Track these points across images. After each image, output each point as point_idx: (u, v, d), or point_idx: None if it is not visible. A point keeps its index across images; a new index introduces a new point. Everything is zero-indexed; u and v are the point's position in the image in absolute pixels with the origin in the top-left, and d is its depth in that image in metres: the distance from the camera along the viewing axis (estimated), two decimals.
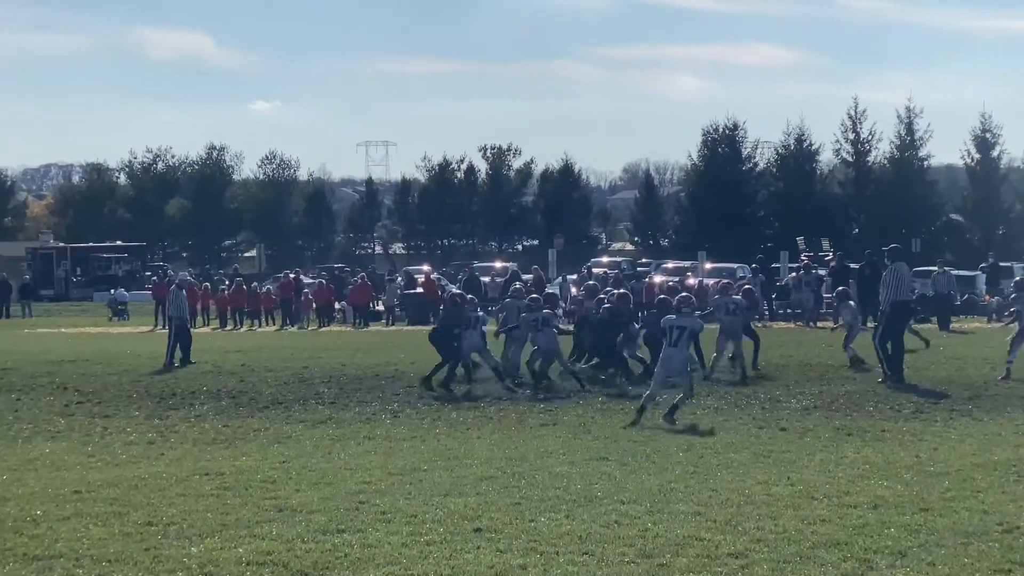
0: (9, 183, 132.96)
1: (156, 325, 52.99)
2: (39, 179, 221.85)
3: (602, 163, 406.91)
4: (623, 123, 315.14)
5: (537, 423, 21.33)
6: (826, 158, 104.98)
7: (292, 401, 24.63)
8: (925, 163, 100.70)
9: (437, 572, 10.95)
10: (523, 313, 27.49)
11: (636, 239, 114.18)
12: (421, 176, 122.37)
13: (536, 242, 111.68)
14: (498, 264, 73.27)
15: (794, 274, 50.71)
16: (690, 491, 14.46)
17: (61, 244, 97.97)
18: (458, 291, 34.94)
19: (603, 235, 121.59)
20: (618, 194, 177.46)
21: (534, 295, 29.13)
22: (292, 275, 60.40)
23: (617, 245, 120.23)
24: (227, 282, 62.36)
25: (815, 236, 71.21)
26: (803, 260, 51.48)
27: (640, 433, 19.65)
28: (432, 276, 59.08)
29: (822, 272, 49.84)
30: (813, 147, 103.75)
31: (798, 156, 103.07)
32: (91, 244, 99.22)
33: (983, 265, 59.48)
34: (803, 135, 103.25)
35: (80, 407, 24.42)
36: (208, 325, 56.20)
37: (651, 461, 16.79)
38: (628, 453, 17.55)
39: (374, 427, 21.25)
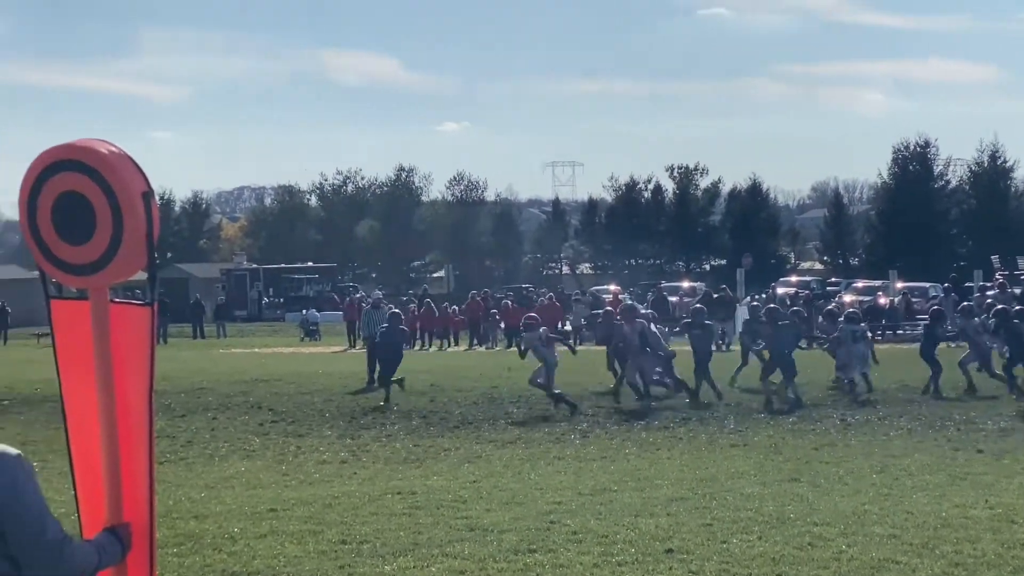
0: (204, 206, 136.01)
1: (349, 346, 53.88)
2: (232, 202, 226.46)
3: (790, 182, 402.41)
4: (811, 141, 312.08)
5: (727, 443, 21.16)
6: (1021, 175, 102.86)
7: (482, 421, 24.76)
8: None
9: None
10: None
11: (825, 258, 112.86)
12: (608, 196, 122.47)
13: (724, 262, 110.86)
14: (685, 284, 72.90)
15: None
16: (885, 513, 14.20)
17: (254, 265, 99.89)
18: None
19: (791, 254, 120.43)
20: (807, 213, 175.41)
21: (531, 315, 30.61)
22: (480, 296, 60.77)
23: (806, 264, 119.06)
24: (415, 302, 62.99)
25: (1011, 254, 69.64)
26: (997, 279, 50.27)
27: (832, 454, 19.40)
28: (619, 296, 58.99)
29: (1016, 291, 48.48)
30: (1007, 164, 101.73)
31: (992, 173, 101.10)
32: (283, 265, 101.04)
33: None
34: (997, 152, 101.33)
35: (274, 426, 24.82)
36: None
37: (844, 483, 16.55)
38: (820, 475, 17.31)
39: (563, 447, 21.26)
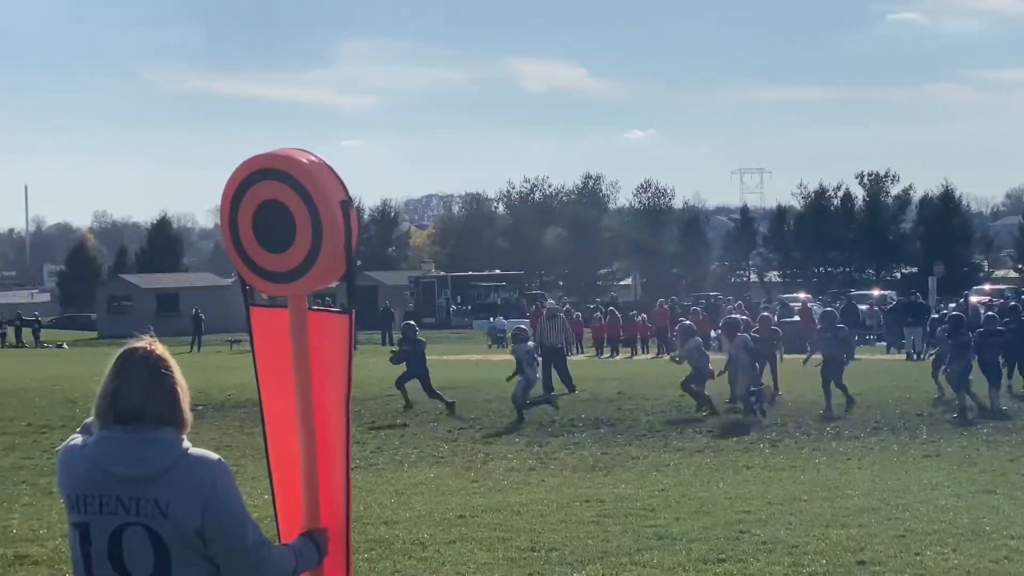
0: (393, 214, 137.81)
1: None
2: (420, 209, 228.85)
3: (984, 188, 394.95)
4: (1005, 146, 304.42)
5: (919, 454, 20.80)
6: None
7: (669, 429, 24.65)
8: None
9: None
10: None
11: (1020, 266, 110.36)
12: (797, 203, 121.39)
13: (915, 269, 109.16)
14: (876, 292, 71.82)
15: None
16: None
17: (442, 273, 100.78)
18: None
19: (985, 262, 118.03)
20: (1001, 220, 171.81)
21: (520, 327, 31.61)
22: (667, 303, 60.55)
23: (1000, 272, 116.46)
24: (602, 310, 63.00)
25: None
26: None
27: None
28: (808, 304, 58.35)
29: None
30: None
31: None
32: (471, 273, 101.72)
33: None
34: None
35: (462, 433, 24.99)
36: (583, 353, 56.92)
37: None
38: (1017, 486, 16.92)
39: (752, 456, 21.08)
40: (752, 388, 26.13)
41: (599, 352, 56.51)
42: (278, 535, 5.46)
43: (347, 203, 4.83)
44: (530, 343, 29.03)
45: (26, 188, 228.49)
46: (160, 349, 4.80)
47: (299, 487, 5.05)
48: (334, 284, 5.09)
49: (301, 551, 4.91)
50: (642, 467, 20.16)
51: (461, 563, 12.62)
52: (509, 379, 28.54)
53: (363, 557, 12.94)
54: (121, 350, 4.83)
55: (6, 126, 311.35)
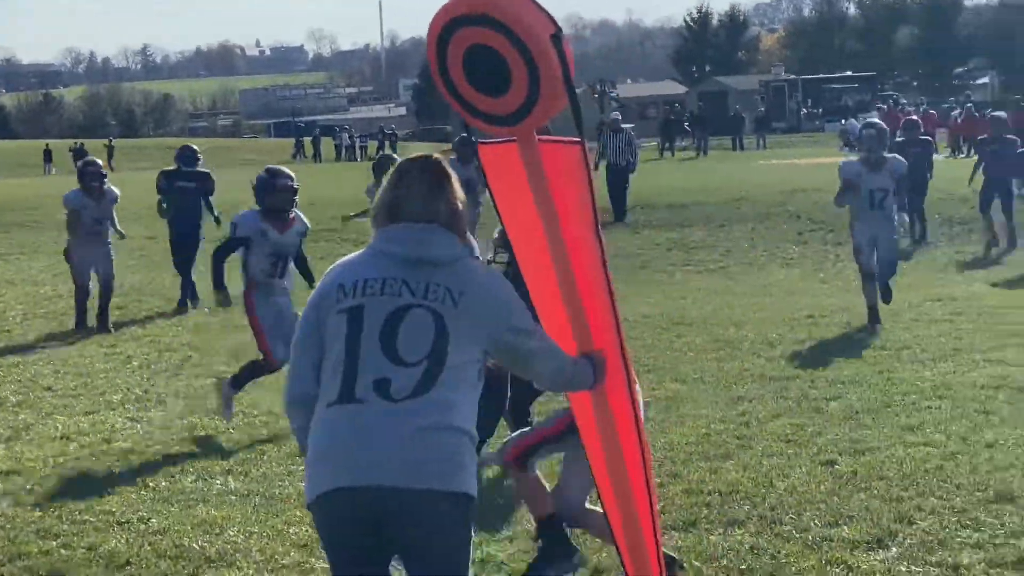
0: (742, 18, 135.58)
1: None
2: (771, 12, 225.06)
3: None
4: None
5: None
6: None
7: None
8: None
9: None
10: None
11: None
12: None
13: None
14: None
15: None
16: None
17: (792, 76, 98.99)
18: None
19: None
20: None
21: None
22: None
23: None
24: (958, 110, 61.10)
25: None
26: None
27: None
28: None
29: None
30: None
31: None
32: (822, 76, 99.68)
33: None
34: None
35: (812, 234, 24.81)
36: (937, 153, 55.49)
37: None
38: None
39: None
40: None
41: (954, 152, 54.92)
42: None
43: (557, 35, 4.61)
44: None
45: (380, 4, 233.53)
46: (441, 159, 4.81)
47: (564, 322, 4.98)
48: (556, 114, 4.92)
49: (579, 363, 4.91)
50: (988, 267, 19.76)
51: (814, 360, 12.67)
52: None
53: (711, 356, 13.14)
54: (399, 161, 4.87)
55: None
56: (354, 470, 4.41)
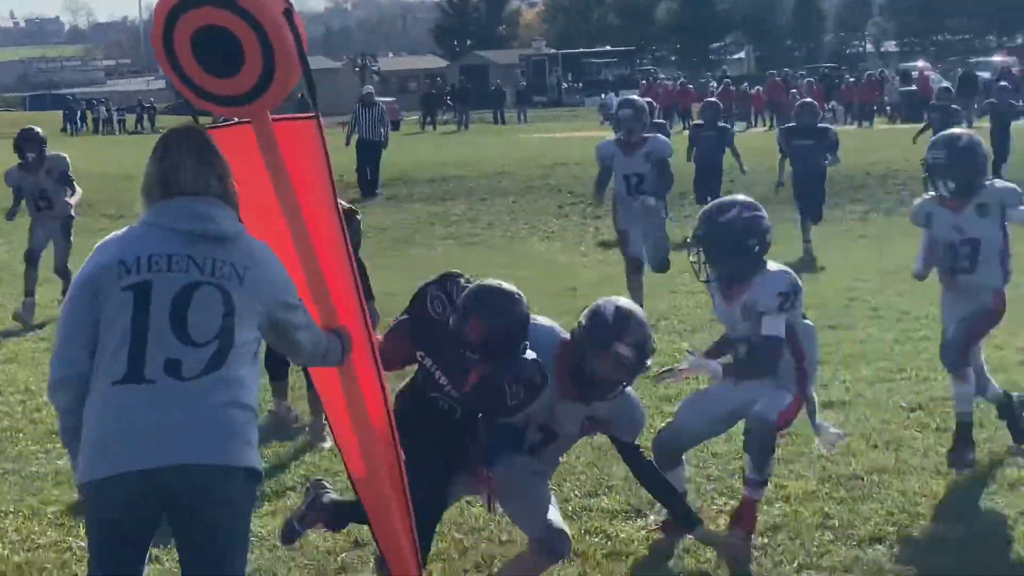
0: None
1: None
2: None
3: None
4: None
5: None
6: None
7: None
8: None
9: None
10: None
11: None
12: None
13: None
14: (996, 59, 70.27)
15: None
16: None
17: (553, 51, 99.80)
18: None
19: None
20: None
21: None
22: (780, 77, 59.68)
23: None
24: (715, 84, 62.30)
25: None
26: None
27: None
28: (926, 74, 57.26)
29: None
30: None
31: None
32: (581, 50, 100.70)
33: None
34: None
35: (573, 207, 25.04)
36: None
37: None
38: None
39: (867, 226, 20.93)
40: None
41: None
42: None
43: (289, 10, 4.59)
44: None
45: None
46: (202, 129, 4.74)
47: (309, 301, 4.94)
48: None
49: (331, 337, 4.99)
50: None
51: None
52: None
53: None
54: (165, 131, 4.77)
55: None
56: (147, 452, 4.32)
